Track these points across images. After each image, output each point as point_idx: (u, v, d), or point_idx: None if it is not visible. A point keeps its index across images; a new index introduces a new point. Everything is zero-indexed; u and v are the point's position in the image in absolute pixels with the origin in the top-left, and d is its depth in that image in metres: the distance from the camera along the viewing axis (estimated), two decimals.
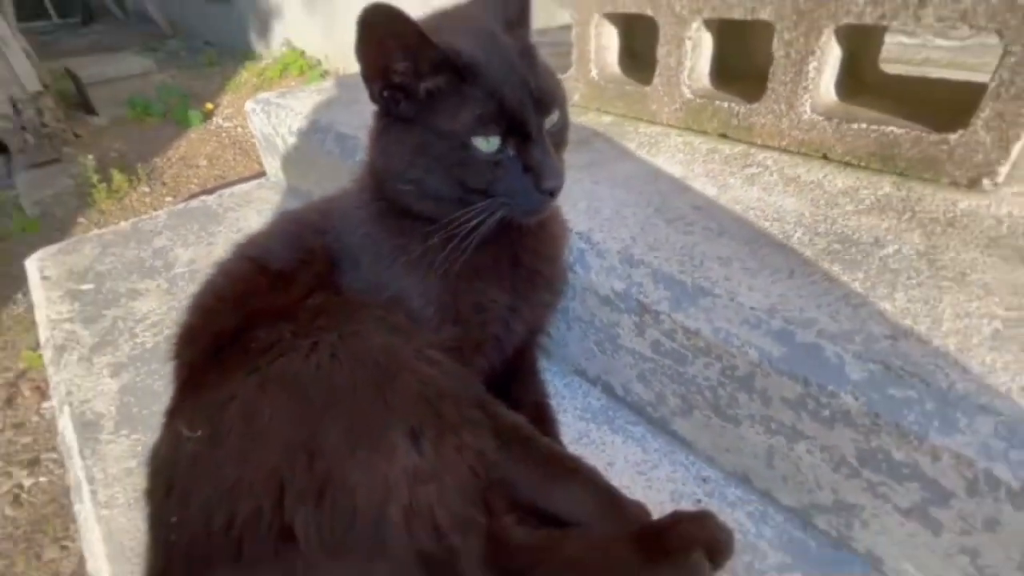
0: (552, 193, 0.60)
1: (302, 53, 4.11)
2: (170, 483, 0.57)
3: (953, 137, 0.80)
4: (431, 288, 0.65)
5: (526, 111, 0.57)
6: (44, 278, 1.27)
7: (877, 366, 0.55)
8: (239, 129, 3.11)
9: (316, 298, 0.65)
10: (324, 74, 3.83)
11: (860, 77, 1.05)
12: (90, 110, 3.36)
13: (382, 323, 0.62)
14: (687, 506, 0.70)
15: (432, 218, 0.62)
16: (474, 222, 0.59)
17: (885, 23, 0.80)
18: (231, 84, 4.20)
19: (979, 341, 0.56)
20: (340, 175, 1.27)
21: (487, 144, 0.57)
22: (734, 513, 0.69)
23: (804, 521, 0.66)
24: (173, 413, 0.65)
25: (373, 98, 0.61)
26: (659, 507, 0.69)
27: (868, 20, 0.82)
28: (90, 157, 2.35)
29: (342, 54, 3.76)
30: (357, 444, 0.53)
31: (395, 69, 0.57)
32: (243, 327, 0.63)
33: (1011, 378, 0.52)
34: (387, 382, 0.56)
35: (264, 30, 4.57)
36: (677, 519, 0.58)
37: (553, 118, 0.61)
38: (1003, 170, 0.78)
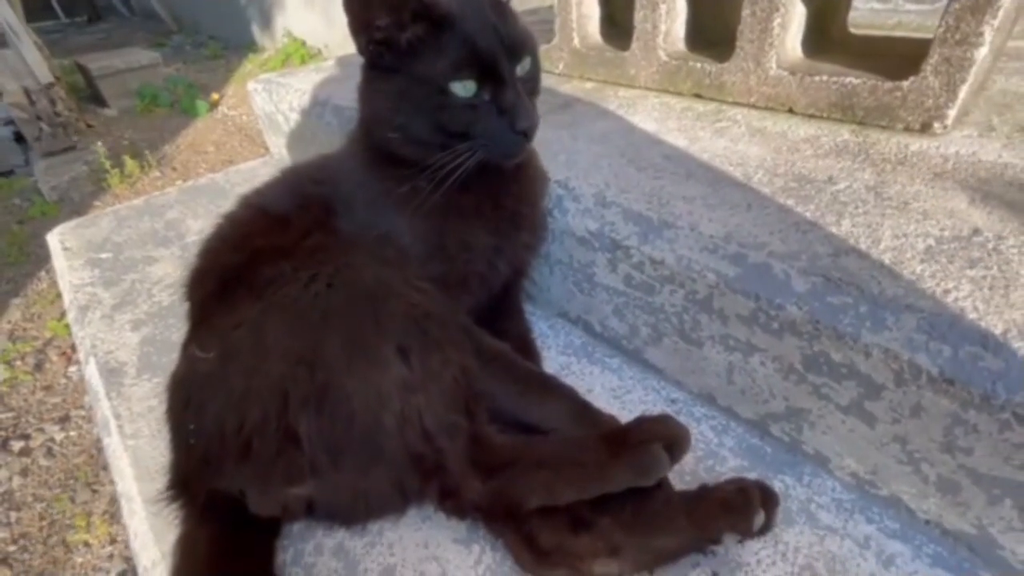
0: (526, 134, 0.66)
1: (303, 43, 4.18)
2: (187, 397, 0.64)
3: (905, 84, 0.85)
4: (418, 226, 0.72)
5: (499, 57, 0.63)
6: (65, 249, 1.35)
7: (819, 279, 0.61)
8: (244, 117, 3.19)
9: (314, 238, 0.72)
10: None
11: (827, 36, 1.09)
12: (101, 102, 3.45)
13: (374, 257, 0.68)
14: None
15: (417, 162, 0.68)
16: (455, 164, 0.66)
17: None
18: (235, 75, 4.28)
19: (912, 255, 0.62)
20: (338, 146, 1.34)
21: (464, 89, 0.63)
22: (699, 427, 0.75)
23: (761, 430, 0.73)
24: (188, 342, 0.72)
25: (360, 51, 0.67)
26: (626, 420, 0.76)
27: None
28: (100, 145, 2.44)
29: (341, 43, 3.82)
30: (352, 358, 0.60)
31: (378, 24, 0.63)
32: (247, 265, 0.70)
33: (936, 284, 0.58)
34: (379, 305, 0.63)
35: (266, 22, 4.64)
36: (640, 420, 0.65)
37: (525, 65, 0.67)
38: (952, 113, 0.83)
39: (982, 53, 0.78)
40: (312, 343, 0.60)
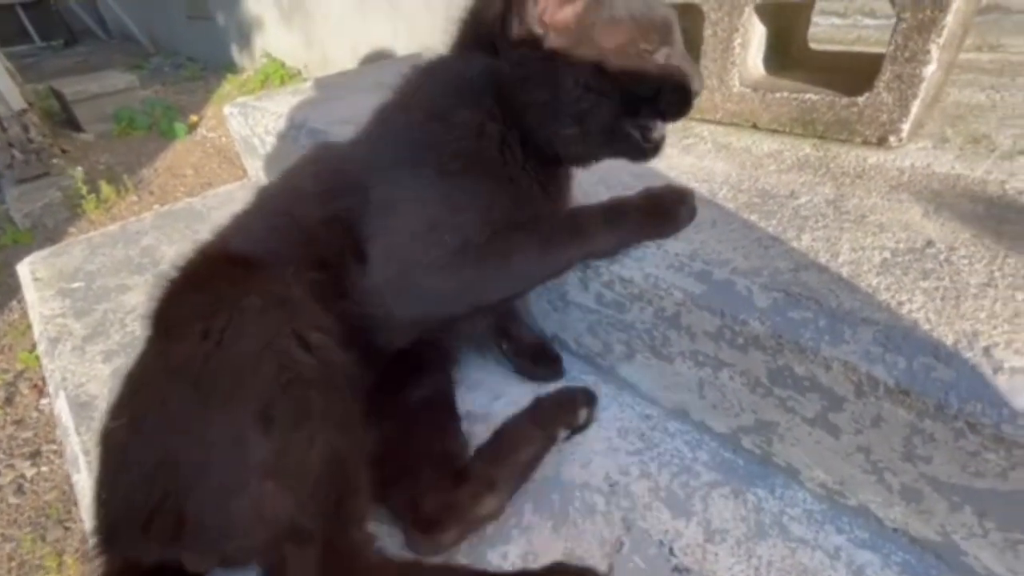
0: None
1: (282, 64, 4.18)
2: (105, 465, 0.59)
3: (861, 100, 0.88)
4: (492, 191, 0.68)
5: None
6: (36, 279, 1.33)
7: (780, 294, 0.63)
8: (223, 139, 3.17)
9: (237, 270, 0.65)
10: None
11: (788, 53, 1.13)
12: (77, 126, 3.41)
13: (274, 297, 0.61)
14: (633, 439, 0.77)
15: (562, 157, 0.71)
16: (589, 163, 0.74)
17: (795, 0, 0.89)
18: (214, 96, 4.26)
19: (868, 268, 0.64)
20: None
21: (656, 124, 0.68)
22: (674, 442, 0.76)
23: (734, 444, 0.73)
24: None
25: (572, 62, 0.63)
26: (607, 441, 0.77)
27: None
28: (79, 169, 2.41)
29: (320, 63, 3.83)
30: (217, 432, 0.54)
31: (644, 47, 0.63)
32: (163, 306, 0.67)
33: (891, 296, 0.59)
34: (251, 367, 0.56)
35: (245, 43, 4.64)
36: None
37: None
38: (905, 127, 0.86)
39: (930, 70, 0.81)
40: (190, 418, 0.55)
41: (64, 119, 3.56)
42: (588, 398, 0.79)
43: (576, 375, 0.88)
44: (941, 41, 0.79)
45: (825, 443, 0.63)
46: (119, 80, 3.48)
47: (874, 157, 0.88)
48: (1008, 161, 0.82)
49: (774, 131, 1.00)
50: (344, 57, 3.55)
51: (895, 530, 0.61)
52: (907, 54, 0.81)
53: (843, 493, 0.64)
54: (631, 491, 0.70)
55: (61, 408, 0.97)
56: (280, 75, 4.15)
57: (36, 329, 1.19)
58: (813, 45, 1.20)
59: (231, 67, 4.93)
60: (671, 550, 0.63)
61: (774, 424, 0.67)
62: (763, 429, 0.69)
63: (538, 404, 0.77)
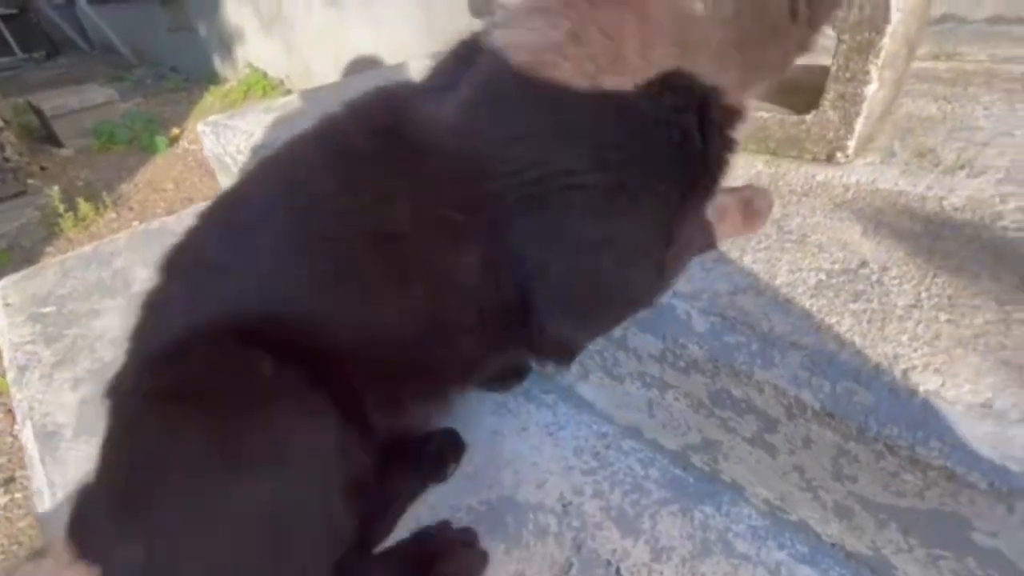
0: None
1: (264, 75, 4.17)
2: None
3: (808, 118, 0.90)
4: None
5: None
6: (7, 305, 1.33)
7: (717, 318, 0.64)
8: (204, 152, 3.17)
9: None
10: (287, 93, 3.91)
11: None
12: (55, 142, 3.39)
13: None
14: (587, 458, 0.78)
15: None
16: None
17: None
18: (197, 108, 4.25)
19: (803, 291, 0.65)
20: None
21: None
22: (628, 460, 0.78)
23: (683, 461, 0.75)
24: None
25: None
26: (563, 461, 0.78)
27: None
28: (56, 188, 2.39)
29: (302, 73, 3.84)
30: None
31: None
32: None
33: (821, 319, 0.61)
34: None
35: (227, 54, 4.63)
36: None
37: None
38: (851, 144, 0.88)
39: (872, 89, 0.83)
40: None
41: (43, 134, 3.55)
42: (456, 448, 0.79)
43: (537, 393, 0.89)
44: (880, 62, 0.81)
45: (764, 462, 0.64)
46: (98, 94, 3.47)
47: (822, 174, 0.90)
48: (949, 176, 0.84)
49: None
50: (326, 67, 3.56)
51: (833, 545, 0.63)
52: (848, 74, 0.83)
53: (784, 509, 0.66)
54: (583, 511, 0.72)
55: (27, 438, 0.97)
56: (262, 85, 4.14)
57: (6, 356, 1.19)
58: None
59: (214, 78, 4.92)
60: (618, 570, 0.65)
61: (718, 443, 0.69)
62: (709, 448, 0.70)
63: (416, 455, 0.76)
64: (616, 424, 0.82)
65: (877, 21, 0.77)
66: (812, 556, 0.64)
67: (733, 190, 0.77)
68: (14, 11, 7.67)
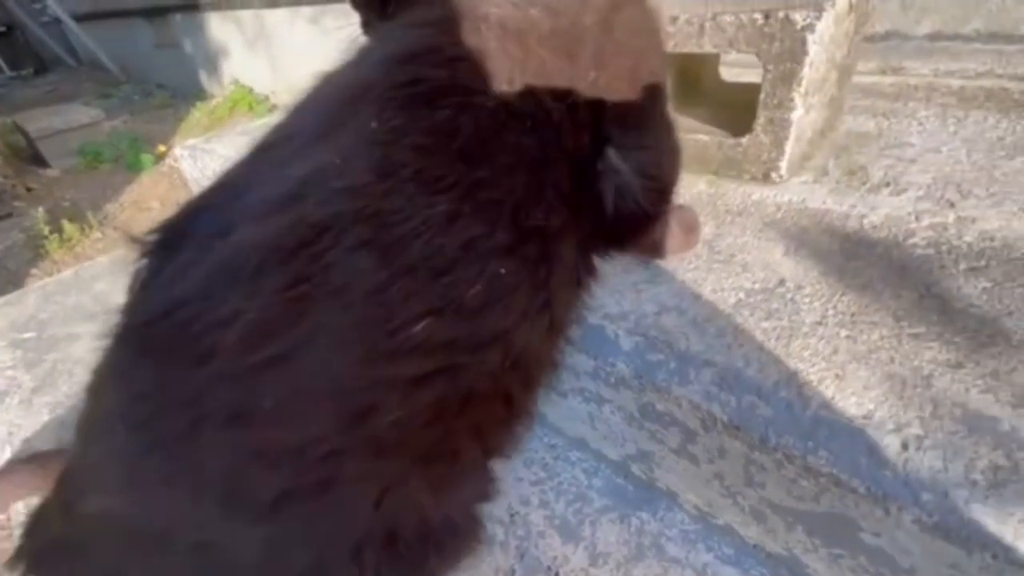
0: None
1: (250, 90, 4.22)
2: None
3: (744, 140, 0.96)
4: None
5: None
6: None
7: (641, 338, 0.69)
8: (184, 174, 3.22)
9: None
10: (272, 108, 3.96)
11: (699, 86, 1.21)
12: (42, 162, 3.43)
13: None
14: (536, 469, 0.83)
15: None
16: None
17: (678, 50, 0.96)
18: (184, 125, 4.29)
19: (723, 309, 0.70)
20: None
21: None
22: (574, 471, 0.82)
23: (624, 471, 0.80)
24: None
25: None
26: (513, 472, 0.83)
27: (666, 48, 0.97)
28: (40, 210, 2.43)
29: (287, 89, 3.88)
30: None
31: None
32: None
33: (735, 338, 0.66)
34: None
35: (213, 70, 4.67)
36: None
37: None
38: (783, 164, 0.93)
39: (797, 114, 0.89)
40: None
41: (30, 154, 3.58)
42: None
43: None
44: (802, 89, 0.86)
45: (690, 470, 0.69)
46: (84, 115, 3.51)
47: (758, 193, 0.95)
48: (874, 194, 0.90)
49: None
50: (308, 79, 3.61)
51: (754, 546, 0.68)
52: (775, 101, 0.89)
53: (712, 514, 0.71)
54: (529, 520, 0.76)
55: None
56: (248, 101, 4.19)
57: None
58: (726, 75, 1.27)
59: (201, 93, 4.96)
60: (557, 575, 0.69)
61: (651, 453, 0.74)
62: (644, 458, 0.75)
63: None
64: (564, 436, 0.87)
65: (796, 53, 0.83)
66: (737, 557, 0.68)
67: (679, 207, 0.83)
68: (2, 29, 7.70)
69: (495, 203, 0.44)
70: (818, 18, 0.81)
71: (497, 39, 0.47)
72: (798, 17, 0.81)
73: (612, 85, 0.52)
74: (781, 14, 0.82)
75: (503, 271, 0.44)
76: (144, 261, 0.47)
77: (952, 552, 0.48)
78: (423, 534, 0.48)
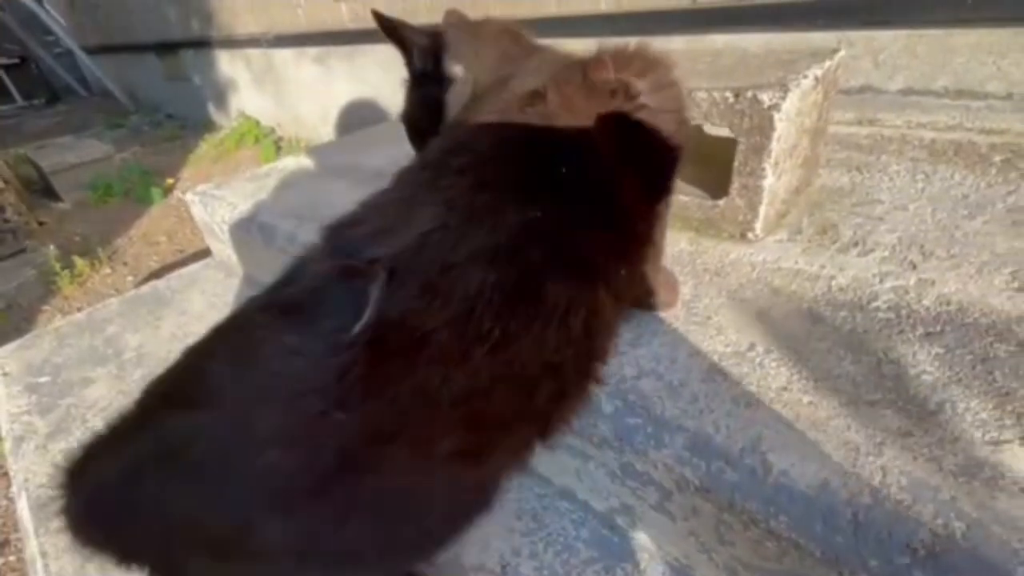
0: None
1: (257, 123, 4.35)
2: None
3: (721, 203, 1.02)
4: None
5: None
6: (4, 374, 1.42)
7: (620, 401, 0.75)
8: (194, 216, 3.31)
9: None
10: (278, 141, 4.08)
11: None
12: (54, 196, 3.53)
13: None
14: (527, 520, 0.87)
15: None
16: None
17: None
18: (192, 157, 4.41)
19: (697, 374, 0.76)
20: (266, 258, 1.46)
21: None
22: (562, 522, 0.87)
23: (610, 522, 0.84)
24: None
25: None
26: (505, 523, 0.87)
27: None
28: (52, 247, 2.51)
29: (292, 122, 4.01)
30: None
31: None
32: None
33: (706, 404, 0.71)
34: None
35: (221, 103, 4.82)
36: None
37: None
38: (758, 225, 1.00)
39: (769, 181, 0.95)
40: None
41: (42, 187, 3.68)
42: None
43: None
44: (772, 160, 0.93)
45: (667, 526, 0.74)
46: (96, 150, 3.62)
47: (735, 252, 1.01)
48: (843, 254, 0.96)
49: None
50: (314, 116, 3.73)
51: None
52: (748, 169, 0.96)
53: (690, 567, 0.75)
54: (520, 572, 0.81)
55: (22, 509, 1.05)
56: (255, 134, 4.31)
57: (3, 427, 1.28)
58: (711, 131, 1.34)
59: (209, 124, 5.11)
60: None
61: (633, 507, 0.78)
62: (627, 511, 0.80)
63: None
64: (553, 487, 0.91)
65: (764, 128, 0.90)
66: None
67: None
68: (16, 60, 7.93)
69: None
70: (783, 98, 0.88)
71: None
72: (765, 97, 0.88)
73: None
74: (750, 93, 0.89)
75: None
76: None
77: None
78: None
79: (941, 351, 0.73)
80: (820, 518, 0.57)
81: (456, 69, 0.76)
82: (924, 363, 0.71)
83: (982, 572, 0.50)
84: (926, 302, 0.82)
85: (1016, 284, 0.82)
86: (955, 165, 1.22)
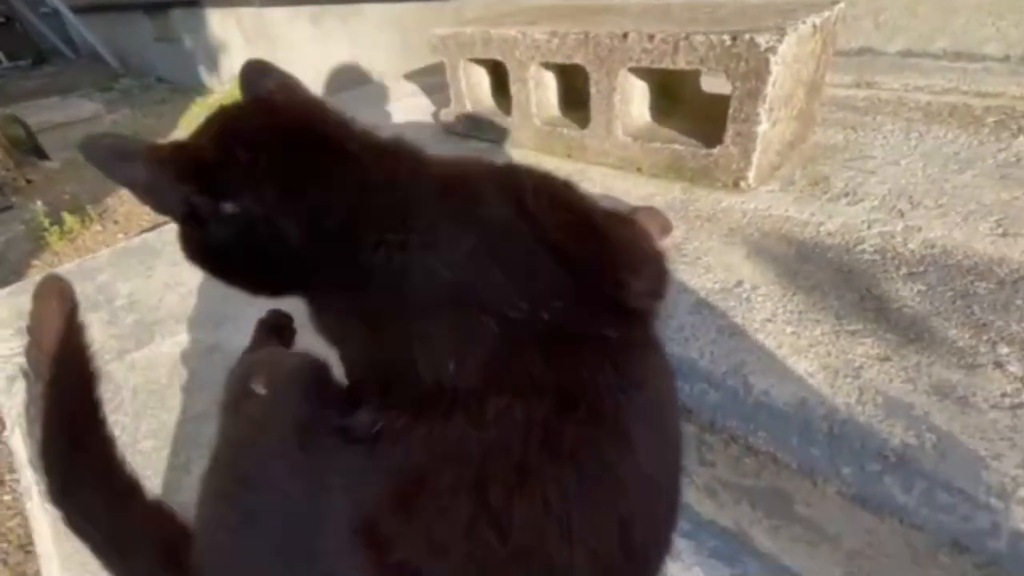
0: None
1: None
2: None
3: (715, 151, 1.03)
4: None
5: None
6: None
7: None
8: None
9: None
10: None
11: (679, 98, 1.27)
12: (42, 154, 3.47)
13: None
14: None
15: None
16: None
17: (656, 65, 1.03)
18: (183, 119, 4.33)
19: (684, 307, 0.77)
20: None
21: None
22: None
23: None
24: None
25: None
26: None
27: (645, 63, 1.04)
28: (39, 203, 2.48)
29: None
30: None
31: None
32: None
33: (692, 332, 0.73)
34: None
35: (212, 65, 4.72)
36: None
37: None
38: (751, 174, 1.00)
39: (762, 128, 0.96)
40: None
41: (30, 146, 3.62)
42: None
43: None
44: (767, 106, 0.93)
45: None
46: (85, 108, 3.55)
47: (727, 200, 1.02)
48: (833, 203, 0.97)
49: (654, 175, 1.14)
50: (308, 77, 3.65)
51: (709, 521, 0.75)
52: (742, 116, 0.96)
53: None
54: None
55: (16, 441, 1.06)
56: None
57: None
58: (706, 87, 1.34)
59: (200, 88, 5.01)
60: None
61: None
62: None
63: None
64: None
65: (760, 72, 0.90)
66: (693, 531, 0.75)
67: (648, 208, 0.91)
68: (1, 20, 7.69)
69: None
70: (780, 41, 0.88)
71: None
72: (762, 40, 0.88)
73: None
74: (747, 36, 0.89)
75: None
76: None
77: (867, 519, 0.55)
78: None
79: (923, 288, 0.74)
80: (797, 432, 0.59)
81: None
82: (906, 299, 0.73)
83: (949, 475, 0.52)
84: (911, 245, 0.83)
85: (1000, 230, 0.84)
86: (949, 125, 1.23)
